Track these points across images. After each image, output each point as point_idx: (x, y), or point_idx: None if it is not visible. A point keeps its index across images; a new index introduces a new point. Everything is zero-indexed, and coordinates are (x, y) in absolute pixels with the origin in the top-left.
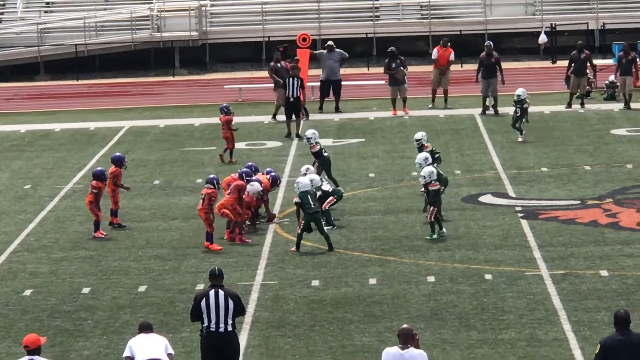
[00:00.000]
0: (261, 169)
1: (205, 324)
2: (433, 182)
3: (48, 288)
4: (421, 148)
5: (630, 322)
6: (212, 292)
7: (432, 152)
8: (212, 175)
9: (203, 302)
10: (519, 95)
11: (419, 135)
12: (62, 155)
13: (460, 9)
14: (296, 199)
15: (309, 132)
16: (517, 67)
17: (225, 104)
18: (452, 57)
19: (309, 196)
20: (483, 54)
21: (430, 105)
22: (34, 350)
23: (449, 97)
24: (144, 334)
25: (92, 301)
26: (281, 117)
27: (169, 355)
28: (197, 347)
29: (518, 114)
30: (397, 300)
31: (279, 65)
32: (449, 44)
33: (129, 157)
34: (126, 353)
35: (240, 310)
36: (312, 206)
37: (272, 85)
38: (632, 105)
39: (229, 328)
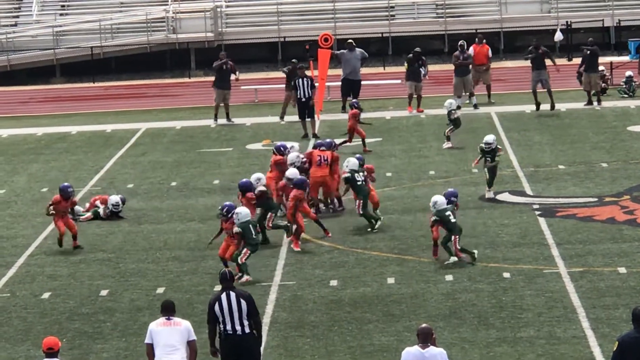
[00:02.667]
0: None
1: (222, 327)
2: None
3: (66, 291)
4: (491, 151)
5: None
6: (223, 296)
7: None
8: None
9: (216, 307)
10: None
11: (491, 138)
12: (78, 157)
13: (476, 8)
14: (237, 229)
15: (351, 163)
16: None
17: (355, 100)
18: (489, 53)
19: (250, 226)
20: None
21: (468, 101)
22: (56, 353)
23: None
24: (165, 319)
25: (110, 303)
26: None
27: (191, 342)
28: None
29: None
30: (415, 299)
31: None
32: (484, 40)
33: (146, 159)
34: (147, 339)
35: (253, 312)
36: (254, 237)
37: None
38: None
39: (246, 330)
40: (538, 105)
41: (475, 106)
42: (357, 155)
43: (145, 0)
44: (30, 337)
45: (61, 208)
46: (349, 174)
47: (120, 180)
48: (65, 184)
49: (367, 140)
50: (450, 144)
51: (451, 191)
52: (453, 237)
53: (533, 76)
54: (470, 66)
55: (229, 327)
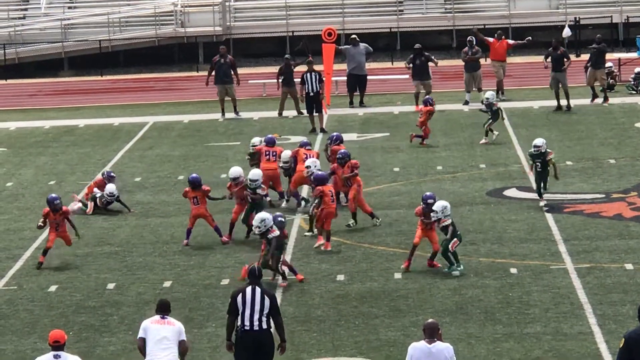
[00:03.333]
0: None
1: (240, 322)
2: (444, 217)
3: (73, 284)
4: (540, 155)
5: None
6: (248, 289)
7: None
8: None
9: (239, 298)
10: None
11: (540, 141)
12: (86, 151)
13: (484, 3)
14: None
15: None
16: (541, 61)
17: (430, 96)
18: (510, 41)
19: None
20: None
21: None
22: (62, 346)
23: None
24: (159, 317)
25: (117, 297)
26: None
27: (181, 342)
28: (222, 342)
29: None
30: (422, 294)
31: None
32: (503, 36)
33: (153, 153)
34: (140, 334)
35: (275, 310)
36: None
37: (296, 80)
38: None
39: (263, 326)
40: (559, 106)
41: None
42: (343, 151)
43: None
44: (37, 330)
45: (52, 219)
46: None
47: (127, 173)
48: (53, 195)
49: (375, 135)
50: (487, 139)
51: (430, 194)
52: (452, 242)
53: (552, 77)
54: (485, 60)
55: (247, 322)
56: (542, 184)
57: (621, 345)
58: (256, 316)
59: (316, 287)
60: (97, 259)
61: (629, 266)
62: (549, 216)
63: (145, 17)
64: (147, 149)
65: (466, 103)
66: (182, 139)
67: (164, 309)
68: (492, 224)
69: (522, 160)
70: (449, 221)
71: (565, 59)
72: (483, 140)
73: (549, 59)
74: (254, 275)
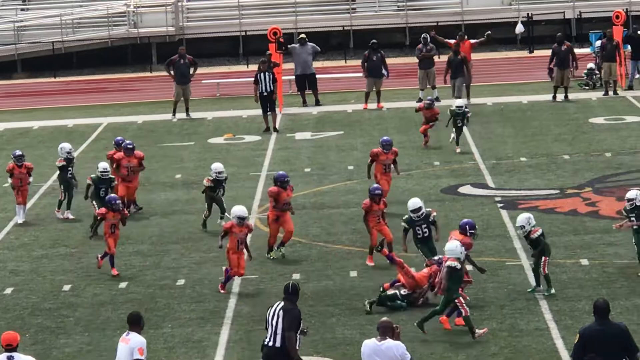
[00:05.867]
0: (241, 163)
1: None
2: (534, 228)
3: (29, 286)
4: (635, 209)
5: (609, 312)
6: (275, 304)
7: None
8: None
9: (268, 312)
10: (459, 107)
11: (633, 194)
12: (41, 152)
13: (437, 0)
14: None
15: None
16: (494, 58)
17: (430, 98)
18: (472, 41)
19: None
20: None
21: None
22: (15, 348)
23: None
24: (124, 335)
25: (73, 298)
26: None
27: None
28: (178, 342)
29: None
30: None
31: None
32: (466, 36)
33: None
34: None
35: (288, 327)
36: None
37: (249, 79)
38: (616, 91)
39: (277, 344)
40: (555, 97)
41: (437, 99)
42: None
43: None
44: None
45: (110, 219)
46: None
47: (82, 175)
48: (113, 195)
49: (330, 134)
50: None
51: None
52: (543, 260)
53: (556, 72)
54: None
55: (268, 335)
56: None
57: (576, 340)
58: (273, 332)
59: (272, 287)
60: (52, 260)
61: (585, 262)
62: (503, 213)
63: (97, 19)
64: (101, 150)
65: (420, 101)
66: (137, 139)
67: (130, 322)
68: (447, 221)
69: (477, 157)
70: (540, 231)
71: (571, 56)
72: (459, 150)
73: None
74: (286, 290)
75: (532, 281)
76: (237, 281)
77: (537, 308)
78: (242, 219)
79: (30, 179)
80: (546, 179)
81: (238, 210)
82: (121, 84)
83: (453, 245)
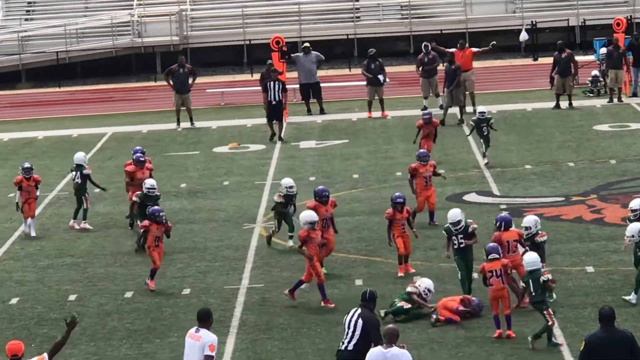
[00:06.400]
0: (246, 172)
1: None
2: (540, 232)
3: (35, 296)
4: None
5: (614, 319)
6: (352, 310)
7: None
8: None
9: (344, 319)
10: (482, 113)
11: (637, 204)
12: (45, 162)
13: (441, 8)
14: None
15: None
16: (499, 65)
17: (428, 112)
18: (474, 49)
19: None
20: (422, 55)
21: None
22: (20, 358)
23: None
24: (194, 332)
25: (79, 308)
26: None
27: (205, 357)
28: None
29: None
30: (383, 300)
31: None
32: (467, 44)
33: (113, 163)
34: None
35: (369, 337)
36: None
37: (253, 88)
38: (620, 98)
39: (349, 347)
40: (558, 105)
41: (441, 107)
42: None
43: (110, 4)
44: None
45: (154, 233)
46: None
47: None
48: (156, 207)
49: (334, 142)
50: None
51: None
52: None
53: (557, 80)
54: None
55: (344, 340)
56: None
57: (582, 348)
58: (348, 337)
59: (277, 295)
60: (58, 270)
61: (590, 269)
62: None
63: (102, 28)
64: (106, 159)
65: (425, 109)
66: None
67: (200, 319)
68: None
69: (481, 164)
70: (545, 237)
71: (572, 64)
72: (487, 161)
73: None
74: (363, 298)
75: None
76: (241, 290)
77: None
78: (312, 224)
79: (38, 192)
80: (551, 187)
81: (307, 216)
82: (125, 93)
83: (532, 257)
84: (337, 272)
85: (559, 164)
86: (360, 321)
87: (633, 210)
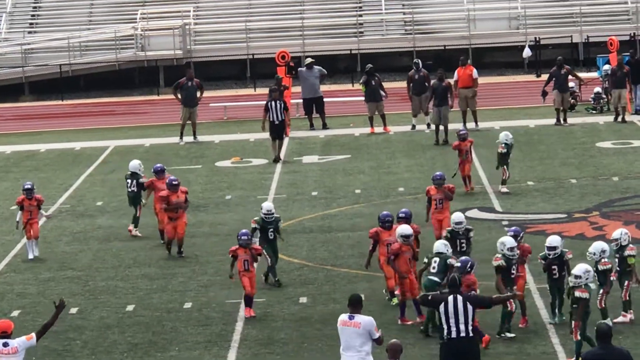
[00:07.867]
0: (248, 186)
1: (445, 331)
2: (604, 260)
3: (36, 309)
4: (621, 249)
5: (611, 336)
6: (450, 298)
7: None
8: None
9: (442, 307)
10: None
11: (618, 234)
12: (47, 175)
13: (444, 24)
14: None
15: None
16: (502, 82)
17: (463, 129)
18: (475, 74)
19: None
20: (412, 71)
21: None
22: (9, 335)
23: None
24: (347, 318)
25: (80, 321)
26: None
27: (376, 340)
28: None
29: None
30: (385, 315)
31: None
32: (469, 61)
33: (115, 177)
34: None
35: (481, 302)
36: None
37: (256, 103)
38: (624, 119)
39: (470, 334)
40: (559, 120)
41: (429, 125)
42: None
43: (113, 18)
44: None
45: (241, 256)
46: None
47: (89, 197)
48: (244, 230)
49: (336, 157)
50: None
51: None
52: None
53: (556, 95)
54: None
55: (453, 329)
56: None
57: None
58: (462, 326)
59: (279, 310)
60: (59, 283)
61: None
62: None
63: (105, 42)
64: (108, 173)
65: (414, 127)
66: (144, 162)
67: (352, 304)
68: None
69: (484, 180)
70: (610, 264)
71: (574, 77)
72: (505, 189)
73: (551, 82)
74: (455, 284)
75: (540, 304)
76: (243, 304)
77: (544, 332)
78: (407, 237)
79: (41, 212)
80: (553, 203)
81: (402, 230)
82: (128, 107)
83: (583, 269)
84: (339, 287)
85: (561, 181)
86: (469, 305)
87: (613, 240)
